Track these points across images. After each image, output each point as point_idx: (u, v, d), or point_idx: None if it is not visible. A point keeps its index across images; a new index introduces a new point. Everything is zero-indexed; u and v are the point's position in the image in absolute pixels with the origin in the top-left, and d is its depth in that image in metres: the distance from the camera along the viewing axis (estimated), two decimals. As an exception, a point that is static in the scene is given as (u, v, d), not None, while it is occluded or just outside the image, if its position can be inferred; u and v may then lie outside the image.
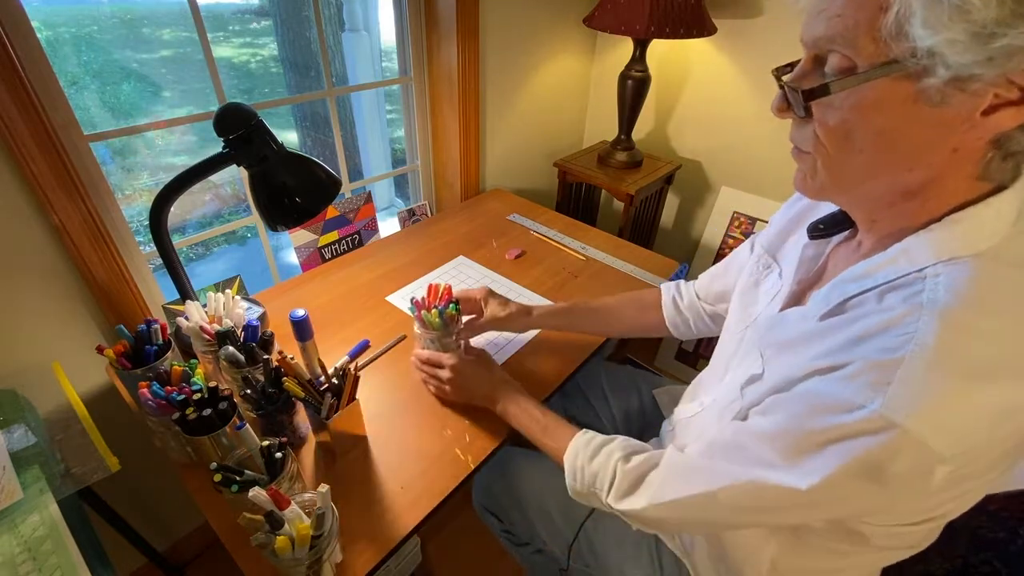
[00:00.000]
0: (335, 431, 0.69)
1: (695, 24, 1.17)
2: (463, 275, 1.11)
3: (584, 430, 0.65)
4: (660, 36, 1.16)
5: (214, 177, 0.75)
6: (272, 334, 0.74)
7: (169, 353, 0.73)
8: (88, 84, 1.45)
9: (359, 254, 1.18)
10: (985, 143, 0.37)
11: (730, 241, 1.56)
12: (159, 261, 0.82)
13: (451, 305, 0.77)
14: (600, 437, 0.63)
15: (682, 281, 0.85)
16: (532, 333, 0.95)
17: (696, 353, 1.70)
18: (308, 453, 0.74)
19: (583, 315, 0.87)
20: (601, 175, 1.47)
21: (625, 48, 1.48)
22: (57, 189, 0.77)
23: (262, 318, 0.93)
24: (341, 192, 0.81)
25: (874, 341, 0.39)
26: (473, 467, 0.72)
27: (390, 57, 1.79)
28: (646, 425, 0.93)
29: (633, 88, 1.37)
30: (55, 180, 0.76)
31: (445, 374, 0.78)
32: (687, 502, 0.50)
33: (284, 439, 0.61)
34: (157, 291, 1.03)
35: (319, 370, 0.71)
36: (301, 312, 0.75)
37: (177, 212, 1.76)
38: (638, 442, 0.62)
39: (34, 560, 0.58)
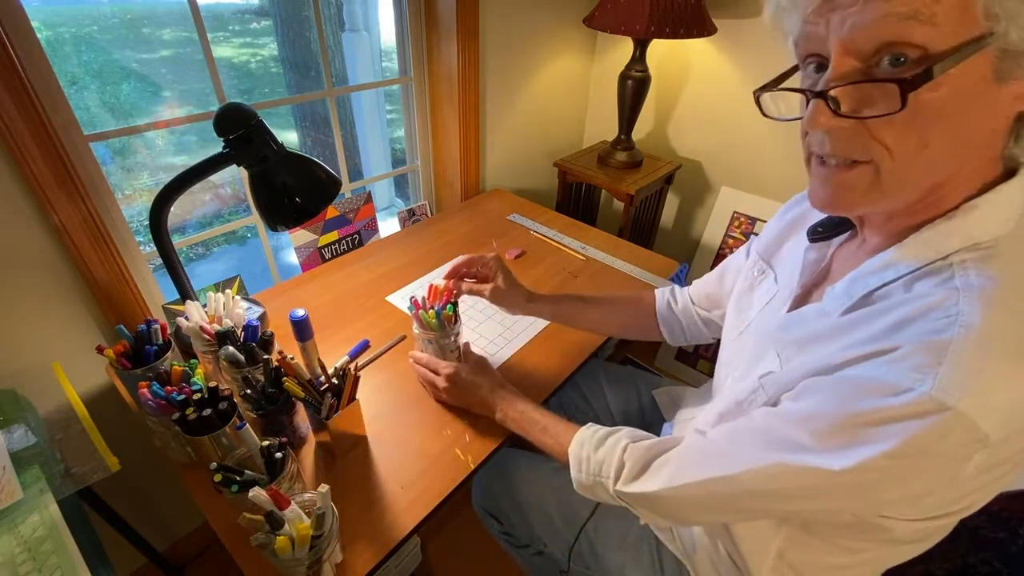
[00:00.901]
0: (335, 431, 0.69)
1: (695, 24, 1.17)
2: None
3: (589, 424, 0.65)
4: (660, 36, 1.16)
5: (214, 177, 0.75)
6: (272, 334, 0.74)
7: (169, 353, 0.73)
8: (88, 84, 1.45)
9: (359, 254, 1.18)
10: (1012, 121, 0.37)
11: (730, 241, 1.56)
12: (159, 261, 0.82)
13: (449, 306, 0.77)
14: (605, 428, 0.63)
15: (676, 286, 0.85)
16: (532, 333, 0.95)
17: (696, 353, 1.70)
18: (308, 453, 0.74)
19: (577, 308, 0.85)
20: (601, 175, 1.47)
21: (625, 48, 1.48)
22: (57, 189, 0.77)
23: (262, 318, 0.93)
24: (341, 192, 0.81)
25: (916, 325, 0.38)
26: (473, 467, 0.72)
27: (390, 57, 1.79)
28: (646, 426, 0.91)
29: (633, 88, 1.37)
30: (55, 180, 0.76)
31: (441, 382, 0.78)
32: (706, 484, 0.49)
33: (284, 439, 0.61)
34: (157, 291, 1.03)
35: (319, 370, 0.71)
36: (301, 312, 0.74)
37: (177, 212, 1.76)
38: (644, 432, 0.61)
39: (34, 560, 0.58)
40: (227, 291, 0.79)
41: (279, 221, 0.74)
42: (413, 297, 0.79)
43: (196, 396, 0.64)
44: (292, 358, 0.67)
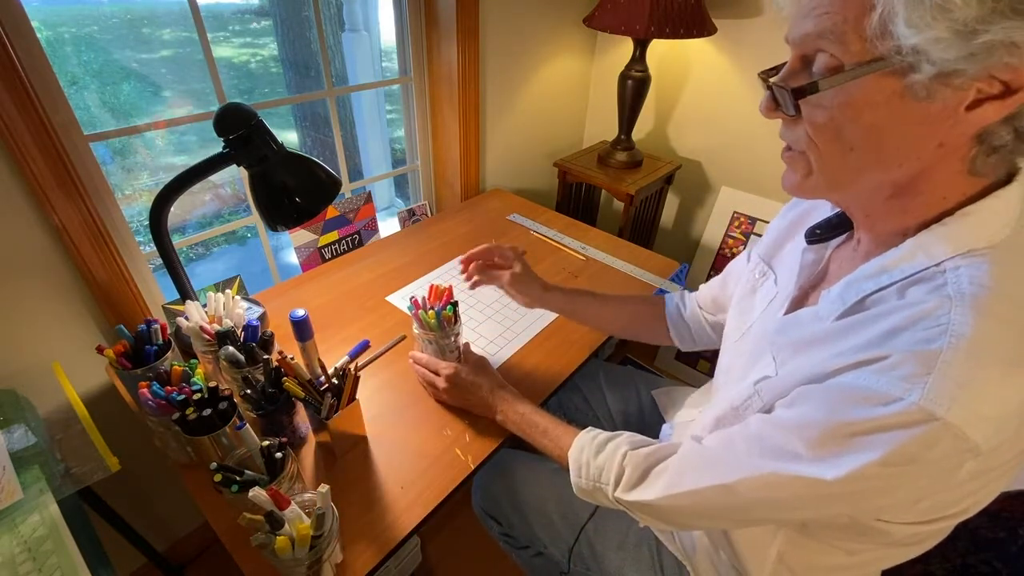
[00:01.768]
0: (335, 431, 0.69)
1: (695, 24, 1.17)
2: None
3: (588, 428, 0.65)
4: (660, 36, 1.16)
5: (214, 177, 0.75)
6: (272, 334, 0.74)
7: (169, 353, 0.73)
8: (88, 84, 1.44)
9: (359, 254, 1.18)
10: (969, 138, 0.38)
11: (730, 241, 1.56)
12: (159, 261, 0.82)
13: (449, 307, 0.77)
14: (605, 433, 0.63)
15: (686, 291, 0.85)
16: (532, 333, 0.95)
17: (696, 353, 1.70)
18: (308, 453, 0.74)
19: (589, 304, 0.85)
20: (601, 175, 1.47)
21: (625, 48, 1.48)
22: (57, 189, 0.77)
23: (262, 318, 0.93)
24: (341, 192, 0.81)
25: (908, 333, 0.38)
26: (473, 467, 0.72)
27: (390, 57, 1.79)
28: (645, 427, 0.92)
29: (633, 88, 1.37)
30: (55, 180, 0.76)
31: (441, 383, 0.78)
32: (703, 493, 0.49)
33: (284, 439, 0.61)
34: (157, 291, 1.03)
35: (319, 370, 0.71)
36: (301, 312, 0.74)
37: (177, 212, 1.76)
38: (644, 437, 0.61)
39: (34, 560, 0.58)
40: (227, 291, 0.79)
41: (279, 221, 0.74)
42: (413, 297, 0.79)
43: (196, 396, 0.64)
44: (292, 358, 0.67)
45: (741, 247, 1.54)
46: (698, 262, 1.65)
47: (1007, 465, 0.40)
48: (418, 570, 1.22)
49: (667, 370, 1.77)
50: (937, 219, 0.42)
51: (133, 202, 1.52)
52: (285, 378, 0.66)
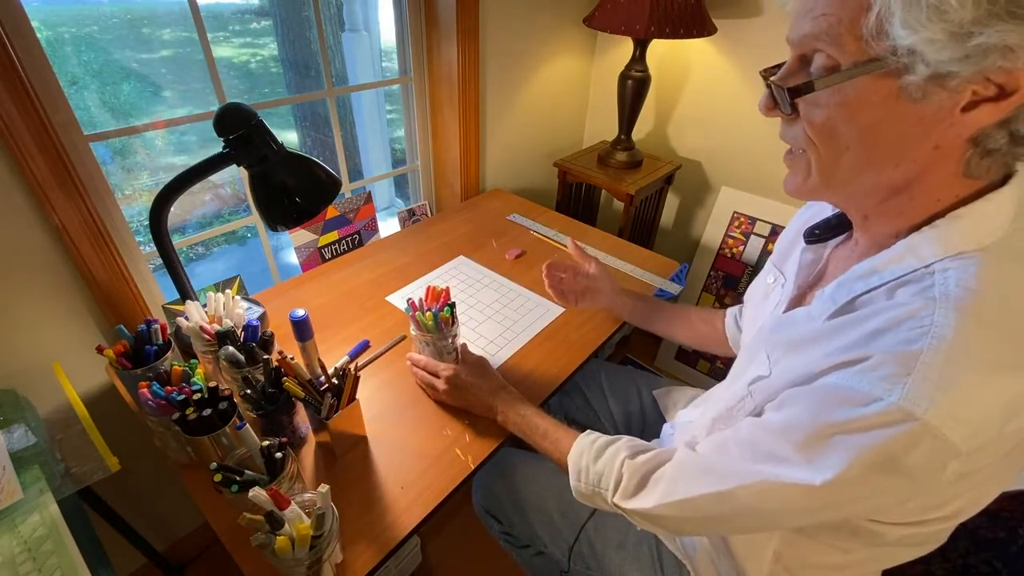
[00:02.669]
0: (335, 431, 0.69)
1: (695, 24, 1.17)
2: (463, 275, 1.11)
3: (588, 431, 0.65)
4: (660, 36, 1.16)
5: (214, 177, 0.75)
6: (272, 334, 0.74)
7: (169, 353, 0.73)
8: (88, 84, 1.44)
9: (359, 254, 1.18)
10: (964, 141, 0.38)
11: (730, 241, 1.56)
12: (159, 261, 0.82)
13: (446, 308, 0.77)
14: (604, 437, 0.63)
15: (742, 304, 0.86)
16: (532, 333, 0.95)
17: (696, 353, 1.70)
18: (308, 453, 0.74)
19: (656, 320, 0.90)
20: (601, 175, 1.47)
21: (625, 48, 1.48)
22: (57, 189, 0.77)
23: (262, 318, 0.93)
24: (341, 192, 0.81)
25: (891, 335, 0.39)
26: (473, 467, 0.72)
27: (390, 57, 1.79)
28: (647, 427, 0.93)
29: (633, 88, 1.37)
30: (55, 180, 0.76)
31: (441, 384, 0.78)
32: (697, 501, 0.50)
33: (284, 439, 0.61)
34: (157, 291, 1.03)
35: (319, 370, 0.71)
36: (301, 312, 0.74)
37: (177, 212, 1.76)
38: (643, 442, 0.62)
39: (34, 560, 0.58)
40: (227, 291, 0.79)
41: (279, 221, 0.74)
42: (410, 299, 0.79)
43: (196, 396, 0.64)
44: (292, 358, 0.67)
45: (741, 247, 1.54)
46: (698, 262, 1.65)
47: (994, 467, 0.40)
48: (418, 570, 1.22)
49: (667, 370, 1.77)
50: (929, 221, 0.42)
51: (133, 202, 1.52)
52: (285, 378, 0.66)
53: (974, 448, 0.36)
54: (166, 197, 0.72)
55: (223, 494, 0.56)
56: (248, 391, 0.67)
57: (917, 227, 0.43)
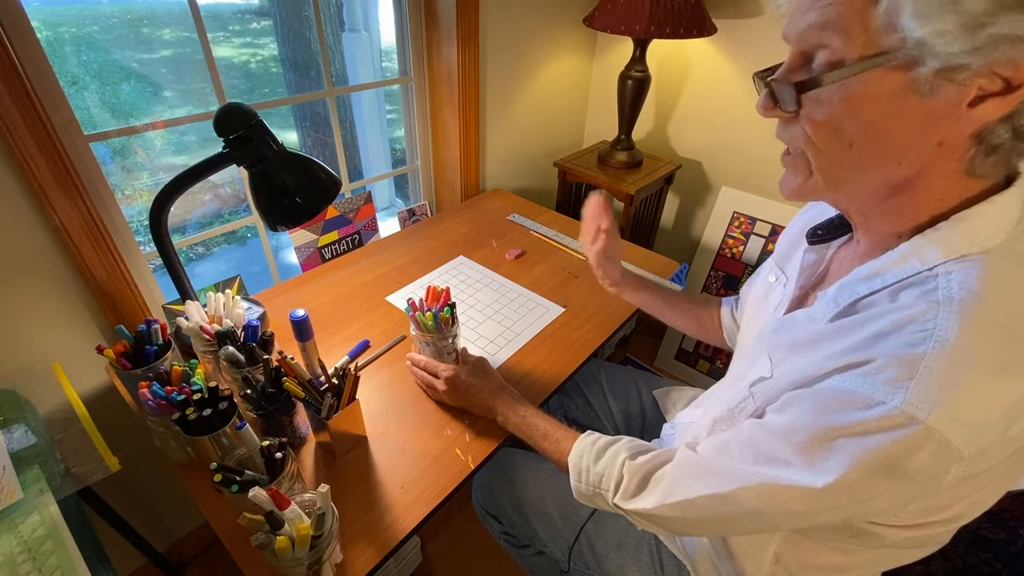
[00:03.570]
0: (335, 431, 0.69)
1: (695, 24, 1.17)
2: (463, 275, 1.11)
3: (588, 431, 0.65)
4: (660, 36, 1.16)
5: (214, 177, 0.75)
6: (272, 334, 0.74)
7: (169, 353, 0.73)
8: (88, 84, 1.44)
9: (359, 254, 1.18)
10: (968, 137, 0.38)
11: (730, 241, 1.56)
12: (159, 261, 0.82)
13: (446, 308, 0.77)
14: (605, 438, 0.63)
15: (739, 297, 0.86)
16: (532, 333, 0.95)
17: (696, 353, 1.70)
18: (308, 453, 0.74)
19: (654, 302, 0.88)
20: (601, 175, 1.47)
21: (625, 48, 1.48)
22: (57, 189, 0.77)
23: (262, 318, 0.93)
24: (341, 192, 0.81)
25: (893, 338, 0.39)
26: (473, 467, 0.72)
27: (390, 57, 1.79)
28: (647, 426, 0.93)
29: (633, 88, 1.37)
30: (55, 180, 0.76)
31: (440, 385, 0.77)
32: (698, 502, 0.49)
33: (284, 439, 0.61)
34: (157, 291, 1.03)
35: (319, 370, 0.71)
36: (301, 312, 0.74)
37: (177, 212, 1.76)
38: (644, 442, 0.62)
39: (34, 560, 0.58)
40: (227, 291, 0.79)
41: (279, 221, 0.74)
42: (411, 299, 0.78)
43: (196, 396, 0.64)
44: (292, 358, 0.67)
45: (741, 247, 1.54)
46: (698, 262, 1.65)
47: (996, 470, 0.39)
48: (418, 570, 1.22)
49: (667, 370, 1.77)
50: (933, 222, 0.42)
51: (133, 202, 1.52)
52: (285, 378, 0.66)
53: (976, 452, 0.36)
54: (166, 197, 0.72)
55: (223, 494, 0.56)
56: (248, 391, 0.67)
57: (920, 228, 0.43)
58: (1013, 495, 0.67)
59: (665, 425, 0.84)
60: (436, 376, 0.79)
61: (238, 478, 0.56)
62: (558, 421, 0.70)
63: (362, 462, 0.72)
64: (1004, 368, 0.36)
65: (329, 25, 1.76)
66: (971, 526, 0.70)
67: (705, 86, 1.47)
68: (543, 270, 1.13)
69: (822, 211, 0.61)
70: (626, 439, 0.62)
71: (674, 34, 1.16)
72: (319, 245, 1.18)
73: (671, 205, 1.71)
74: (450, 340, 0.79)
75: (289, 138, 2.13)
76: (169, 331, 0.76)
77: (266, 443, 0.60)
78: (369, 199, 1.25)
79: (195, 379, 0.67)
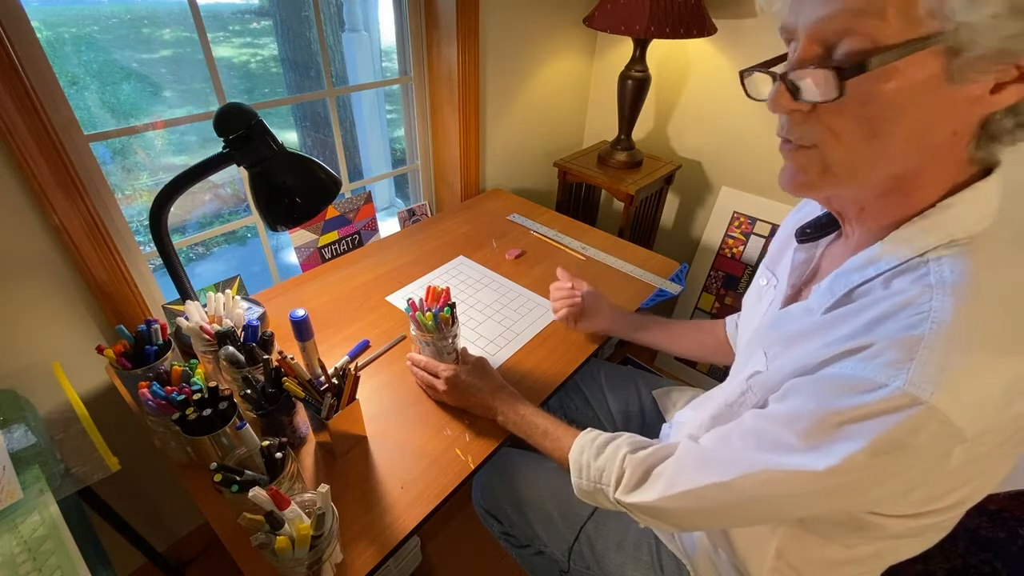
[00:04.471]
0: (335, 431, 0.69)
1: (695, 24, 1.17)
2: (463, 275, 1.11)
3: (588, 428, 0.65)
4: (660, 36, 1.16)
5: (214, 177, 0.75)
6: (272, 334, 0.74)
7: (169, 353, 0.73)
8: (88, 84, 1.44)
9: (359, 254, 1.18)
10: (975, 126, 0.38)
11: (730, 241, 1.56)
12: (159, 261, 0.82)
13: (446, 308, 0.77)
14: (605, 434, 0.63)
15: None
16: (532, 333, 0.95)
17: (696, 353, 1.70)
18: (308, 453, 0.74)
19: (657, 334, 0.90)
20: (601, 175, 1.47)
21: (625, 48, 1.48)
22: (57, 189, 0.77)
23: (262, 318, 0.93)
24: (341, 192, 0.81)
25: (891, 322, 0.39)
26: (473, 467, 0.72)
27: (390, 57, 1.79)
28: (646, 426, 0.93)
29: (633, 88, 1.37)
30: (55, 180, 0.76)
31: (441, 385, 0.77)
32: (701, 492, 0.49)
33: (284, 439, 0.61)
34: (157, 291, 1.03)
35: (319, 370, 0.71)
36: (301, 312, 0.74)
37: (177, 212, 1.76)
38: (644, 438, 0.61)
39: (34, 560, 0.58)
40: (227, 291, 0.79)
41: (279, 221, 0.74)
42: (411, 299, 0.78)
43: (196, 396, 0.64)
44: (292, 358, 0.67)
45: (741, 247, 1.54)
46: (698, 262, 1.65)
47: (997, 453, 0.40)
48: (418, 570, 1.22)
49: (667, 370, 1.77)
50: (922, 211, 0.43)
51: (133, 202, 1.52)
52: (285, 378, 0.66)
53: (978, 432, 0.36)
54: (166, 197, 0.72)
55: (223, 494, 0.56)
56: (248, 391, 0.67)
57: (910, 217, 0.43)
58: (1012, 495, 0.67)
59: (664, 425, 0.84)
60: (436, 376, 0.79)
61: (238, 478, 0.56)
62: (558, 419, 0.70)
63: (362, 462, 0.72)
64: (1000, 346, 0.36)
65: (329, 25, 1.76)
66: (971, 526, 0.70)
67: (705, 86, 1.47)
68: (543, 270, 1.13)
69: (811, 211, 0.61)
70: (626, 435, 0.62)
71: (674, 34, 1.16)
72: (319, 245, 1.18)
73: (671, 205, 1.71)
74: (450, 340, 0.79)
75: (289, 138, 2.13)
76: (169, 331, 0.76)
77: (266, 443, 0.60)
78: (369, 199, 1.25)
79: (195, 379, 0.67)
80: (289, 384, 0.66)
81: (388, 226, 1.35)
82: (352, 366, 0.70)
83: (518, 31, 1.35)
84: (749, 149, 1.46)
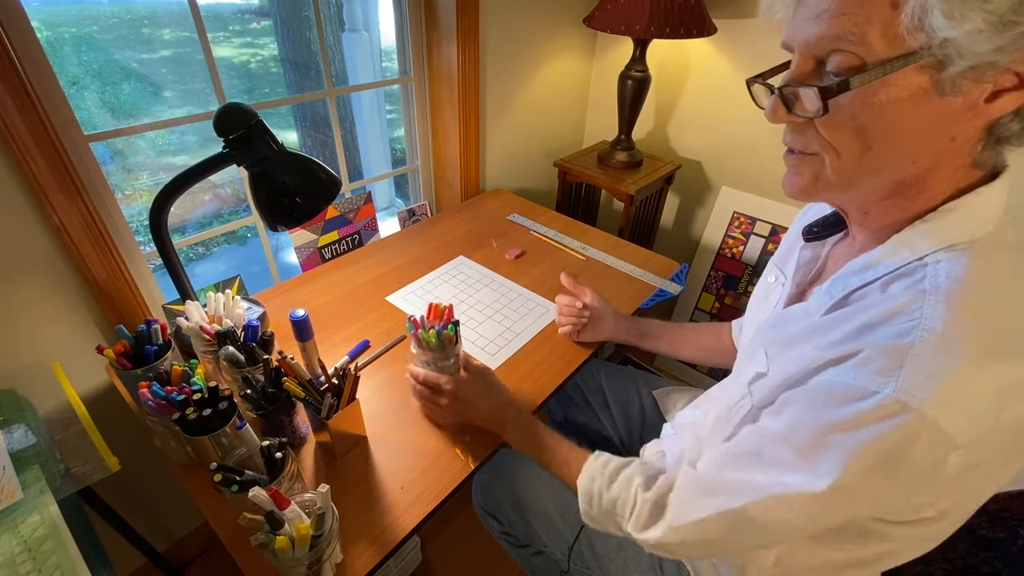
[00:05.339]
0: (335, 431, 0.69)
1: (695, 24, 1.17)
2: (463, 275, 1.11)
3: (598, 452, 0.63)
4: (660, 36, 1.16)
5: (214, 177, 0.75)
6: (272, 334, 0.74)
7: (169, 353, 0.73)
8: (88, 84, 1.44)
9: (359, 254, 1.18)
10: (979, 130, 0.38)
11: (730, 241, 1.56)
12: (159, 261, 0.82)
13: (450, 326, 0.73)
14: (616, 460, 0.61)
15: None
16: (532, 333, 0.95)
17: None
18: (308, 453, 0.74)
19: (660, 340, 0.90)
20: (601, 175, 1.47)
21: (625, 48, 1.48)
22: (57, 189, 0.77)
23: (262, 318, 0.93)
24: (341, 192, 0.81)
25: (881, 329, 0.39)
26: (473, 467, 0.72)
27: (390, 57, 1.79)
28: (646, 426, 0.92)
29: (633, 88, 1.37)
30: (55, 180, 0.76)
31: (443, 400, 0.74)
32: (708, 521, 0.48)
33: (284, 439, 0.61)
34: (157, 291, 1.03)
35: (319, 370, 0.71)
36: (301, 312, 0.74)
37: (177, 212, 1.76)
38: (654, 465, 0.60)
39: (34, 560, 0.58)
40: (227, 291, 0.79)
41: (279, 221, 0.74)
42: (412, 316, 0.74)
43: (196, 396, 0.64)
44: (292, 358, 0.67)
45: (741, 247, 1.54)
46: (698, 262, 1.65)
47: (996, 461, 0.40)
48: (418, 570, 1.22)
49: (667, 370, 1.77)
50: (924, 214, 0.43)
51: (133, 202, 1.52)
52: (285, 378, 0.66)
53: (972, 440, 0.36)
54: (166, 197, 0.72)
55: (223, 494, 0.56)
56: (248, 391, 0.67)
57: (912, 220, 0.43)
58: (1012, 495, 0.67)
59: (665, 425, 0.84)
60: (438, 389, 0.75)
61: (238, 478, 0.56)
62: (566, 439, 0.69)
63: (362, 462, 0.72)
64: (990, 353, 0.36)
65: (329, 25, 1.76)
66: (971, 526, 0.70)
67: (705, 86, 1.47)
68: (543, 270, 1.13)
69: (820, 209, 0.61)
70: (637, 461, 0.60)
71: (674, 34, 1.16)
72: (319, 245, 1.18)
73: (671, 205, 1.71)
74: (452, 360, 0.75)
75: (289, 138, 2.13)
76: (169, 331, 0.76)
77: (266, 443, 0.60)
78: (369, 199, 1.25)
79: (195, 379, 0.67)
80: (289, 384, 0.66)
81: (388, 226, 1.35)
82: (352, 366, 0.70)
83: (518, 31, 1.35)
84: (749, 149, 1.46)
